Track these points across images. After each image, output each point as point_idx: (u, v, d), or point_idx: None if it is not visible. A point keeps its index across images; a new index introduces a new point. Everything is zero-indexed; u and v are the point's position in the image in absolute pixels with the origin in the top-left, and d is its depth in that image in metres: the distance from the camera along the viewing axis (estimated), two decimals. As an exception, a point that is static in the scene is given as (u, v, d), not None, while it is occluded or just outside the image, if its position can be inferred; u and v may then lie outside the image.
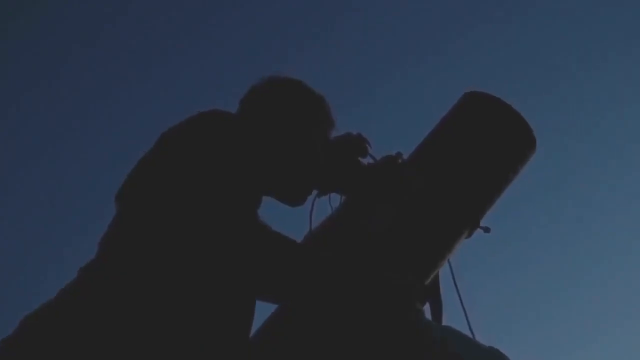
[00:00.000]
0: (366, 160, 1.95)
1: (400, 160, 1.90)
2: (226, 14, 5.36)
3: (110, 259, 1.54)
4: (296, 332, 1.65)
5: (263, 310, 1.72)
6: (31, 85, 4.98)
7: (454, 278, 1.89)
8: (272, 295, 1.69)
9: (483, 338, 1.77)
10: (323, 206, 1.95)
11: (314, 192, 1.93)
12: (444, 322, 1.84)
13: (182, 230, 1.50)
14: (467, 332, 1.80)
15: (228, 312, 1.55)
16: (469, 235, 1.86)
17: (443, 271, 1.88)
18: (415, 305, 1.66)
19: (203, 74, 5.34)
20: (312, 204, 1.93)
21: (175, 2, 5.45)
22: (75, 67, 5.10)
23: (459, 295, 1.88)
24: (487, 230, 1.87)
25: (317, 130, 1.87)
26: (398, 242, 1.75)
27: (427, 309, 1.83)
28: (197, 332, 1.49)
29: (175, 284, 1.49)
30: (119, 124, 5.11)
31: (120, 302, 1.47)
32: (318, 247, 1.79)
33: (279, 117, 1.82)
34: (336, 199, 1.94)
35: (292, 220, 1.91)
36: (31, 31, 4.91)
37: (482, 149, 1.87)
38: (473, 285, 2.09)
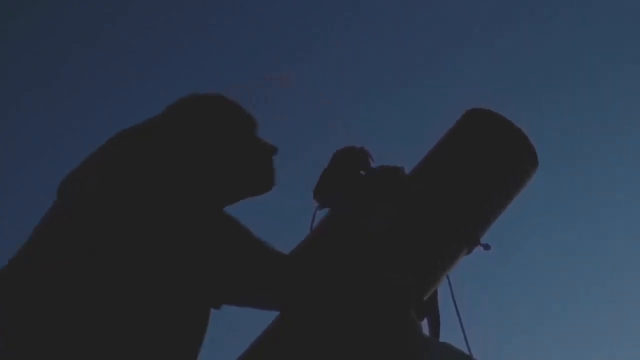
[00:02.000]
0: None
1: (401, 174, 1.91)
2: (226, 16, 5.37)
3: (50, 251, 1.51)
4: (294, 335, 1.66)
5: (261, 320, 1.73)
6: (31, 85, 4.98)
7: (452, 294, 1.89)
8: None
9: (480, 355, 1.78)
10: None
11: (315, 204, 1.94)
12: (441, 338, 1.85)
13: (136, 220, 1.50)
14: (464, 349, 1.81)
15: (176, 318, 1.51)
16: (469, 252, 1.87)
17: (441, 287, 1.88)
18: (415, 304, 1.68)
19: (203, 75, 5.35)
20: (313, 216, 1.94)
21: (176, 2, 5.45)
22: (75, 67, 5.10)
23: (457, 311, 1.88)
24: (487, 247, 1.87)
25: (237, 128, 1.85)
26: (397, 259, 1.76)
27: (424, 324, 1.84)
28: (136, 333, 1.45)
29: (119, 280, 1.46)
30: (119, 124, 5.09)
31: (56, 296, 1.44)
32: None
33: (199, 128, 1.79)
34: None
35: (293, 231, 1.92)
36: (31, 31, 4.91)
37: (484, 167, 1.88)
38: (471, 302, 2.09)
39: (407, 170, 1.92)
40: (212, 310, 1.61)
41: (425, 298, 1.81)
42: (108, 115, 5.07)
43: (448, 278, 1.87)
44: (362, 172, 1.94)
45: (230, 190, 1.79)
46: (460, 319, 1.87)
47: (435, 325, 1.85)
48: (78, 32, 5.10)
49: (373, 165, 1.95)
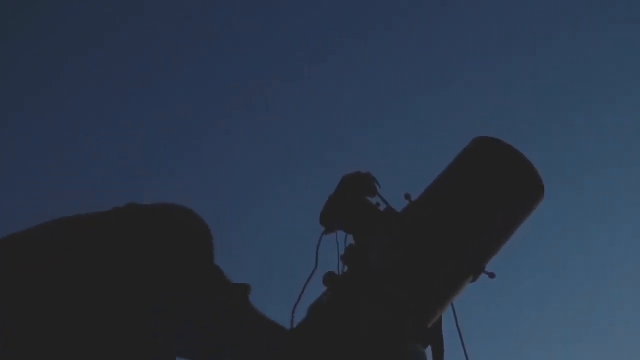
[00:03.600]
0: (375, 200, 1.96)
1: (408, 201, 1.92)
2: (226, 17, 5.36)
3: None
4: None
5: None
6: (31, 85, 4.97)
7: (457, 321, 1.91)
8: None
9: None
10: (329, 242, 1.97)
11: (321, 229, 1.95)
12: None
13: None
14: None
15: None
16: (474, 279, 1.88)
17: (445, 314, 1.90)
18: (413, 316, 1.70)
19: (203, 76, 5.35)
20: (319, 241, 1.96)
21: (176, 3, 5.44)
22: (75, 67, 5.09)
23: (461, 339, 1.90)
24: (492, 276, 1.88)
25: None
26: (403, 285, 1.77)
27: (429, 352, 1.85)
28: None
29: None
30: (119, 124, 5.11)
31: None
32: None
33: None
34: (343, 236, 1.96)
35: (300, 256, 1.93)
36: (31, 31, 4.89)
37: (491, 195, 1.88)
38: (474, 329, 2.10)
39: (415, 195, 1.93)
40: None
41: (429, 325, 1.83)
42: (108, 115, 5.08)
43: (452, 306, 1.89)
44: (369, 199, 1.96)
45: None
46: (464, 347, 1.88)
47: (439, 353, 1.87)
48: (78, 32, 5.10)
49: (379, 191, 1.97)
